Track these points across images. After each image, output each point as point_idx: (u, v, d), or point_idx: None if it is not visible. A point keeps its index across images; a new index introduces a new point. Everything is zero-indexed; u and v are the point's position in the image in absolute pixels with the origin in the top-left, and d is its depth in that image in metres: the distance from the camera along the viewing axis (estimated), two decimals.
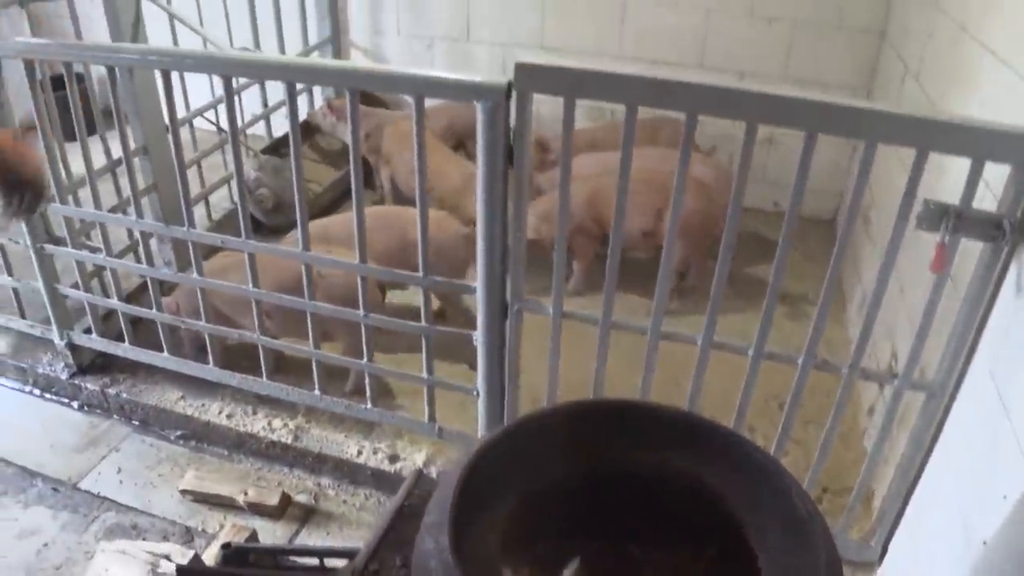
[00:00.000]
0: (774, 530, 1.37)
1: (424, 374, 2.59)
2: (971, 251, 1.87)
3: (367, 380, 2.70)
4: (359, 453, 2.80)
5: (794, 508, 1.30)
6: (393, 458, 2.77)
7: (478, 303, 2.34)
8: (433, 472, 2.71)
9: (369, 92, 4.47)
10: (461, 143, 4.64)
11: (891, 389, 2.09)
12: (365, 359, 2.65)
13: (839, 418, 2.17)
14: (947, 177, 2.29)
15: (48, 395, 3.23)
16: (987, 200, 1.94)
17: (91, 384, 3.11)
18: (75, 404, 3.18)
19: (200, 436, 2.99)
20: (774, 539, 1.33)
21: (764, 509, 1.37)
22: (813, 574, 1.21)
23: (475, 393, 2.56)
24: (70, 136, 2.81)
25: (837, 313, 3.70)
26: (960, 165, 1.78)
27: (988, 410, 1.72)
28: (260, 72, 2.83)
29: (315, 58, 4.77)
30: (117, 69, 2.54)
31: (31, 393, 3.25)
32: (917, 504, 2.13)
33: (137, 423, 3.08)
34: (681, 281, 3.77)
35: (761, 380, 2.21)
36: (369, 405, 2.74)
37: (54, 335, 3.11)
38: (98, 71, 2.77)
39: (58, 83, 2.72)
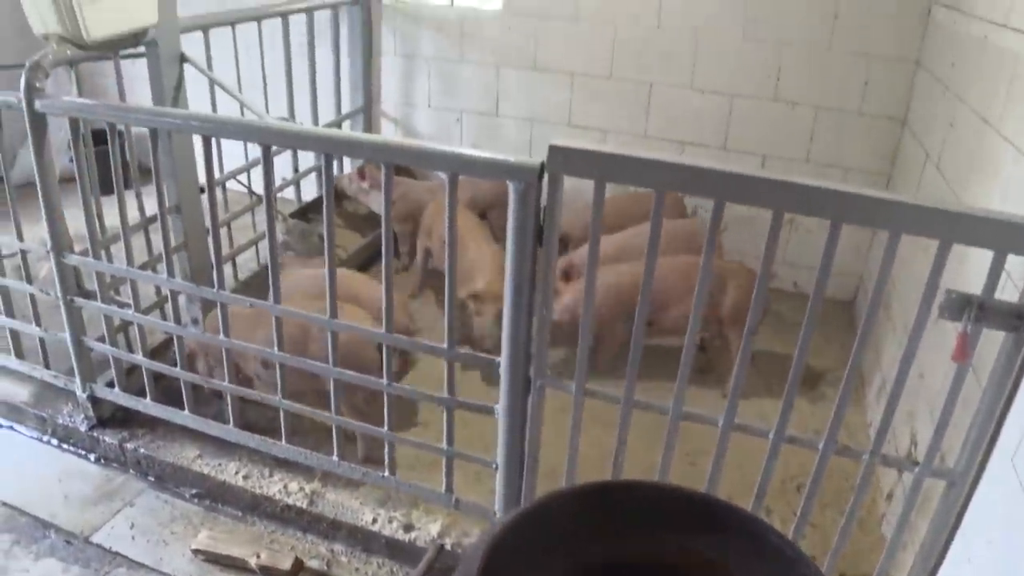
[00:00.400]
0: None
1: (444, 445, 2.60)
2: (993, 338, 1.88)
3: (385, 448, 2.71)
4: (374, 521, 2.79)
5: None
6: (408, 527, 2.76)
7: (501, 377, 2.36)
8: (448, 543, 2.69)
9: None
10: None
11: (911, 476, 2.08)
12: (385, 427, 2.66)
13: (859, 504, 2.16)
14: (968, 265, 2.32)
15: (66, 446, 3.25)
16: (1008, 290, 1.97)
17: (109, 437, 3.13)
18: (92, 456, 3.19)
19: (215, 496, 2.99)
20: None
21: None
22: None
23: (494, 466, 2.56)
24: (106, 190, 2.89)
25: (856, 396, 3.69)
26: (981, 254, 1.81)
27: (1010, 499, 1.71)
28: (301, 143, 2.90)
29: (348, 130, 4.90)
30: (159, 131, 2.63)
31: (49, 443, 3.27)
32: None
33: (153, 479, 3.09)
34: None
35: (780, 461, 2.21)
36: (386, 473, 2.74)
37: (77, 387, 3.14)
38: (137, 129, 2.87)
39: (96, 137, 2.82)
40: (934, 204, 1.79)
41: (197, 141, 2.75)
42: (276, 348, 2.65)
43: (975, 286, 1.79)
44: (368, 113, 5.20)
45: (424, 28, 5.03)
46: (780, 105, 4.39)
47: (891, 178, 4.25)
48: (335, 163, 4.92)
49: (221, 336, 2.75)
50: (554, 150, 1.98)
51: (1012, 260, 1.80)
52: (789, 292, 4.58)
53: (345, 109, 5.06)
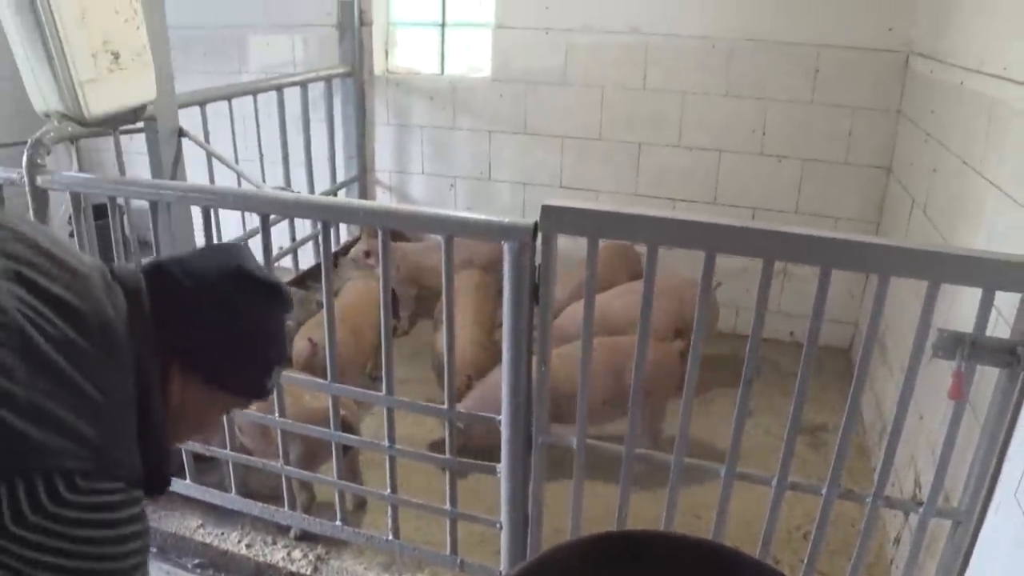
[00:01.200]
0: None
1: (447, 506, 2.60)
2: (990, 376, 1.90)
3: (389, 512, 2.70)
4: None
5: None
6: None
7: (502, 436, 2.37)
8: None
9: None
10: None
11: (916, 518, 2.08)
12: (388, 490, 2.66)
13: (865, 548, 2.15)
14: (960, 304, 2.35)
15: None
16: (1000, 327, 2.00)
17: None
18: None
19: (218, 565, 2.97)
20: None
21: None
22: None
23: (498, 526, 2.55)
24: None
25: (857, 442, 3.69)
26: (971, 294, 1.84)
27: (1016, 537, 1.72)
28: (299, 211, 2.95)
29: (344, 197, 4.98)
30: (159, 204, 2.68)
31: None
32: None
33: (154, 550, 3.06)
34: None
35: (785, 511, 2.21)
36: (390, 536, 2.73)
37: None
38: (136, 203, 2.92)
39: (97, 211, 2.86)
40: (920, 246, 1.83)
41: (196, 213, 2.80)
42: (276, 415, 2.67)
43: (968, 326, 1.82)
44: (363, 181, 5.30)
45: (416, 97, 5.14)
46: (767, 159, 4.48)
47: (880, 225, 4.32)
48: (332, 230, 5.02)
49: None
50: (547, 209, 2.03)
51: (1003, 298, 1.83)
52: (786, 342, 4.61)
53: (340, 178, 5.15)
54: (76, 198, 2.73)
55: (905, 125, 3.99)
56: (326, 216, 2.41)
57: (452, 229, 2.21)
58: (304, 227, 4.70)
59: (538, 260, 2.11)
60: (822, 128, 4.32)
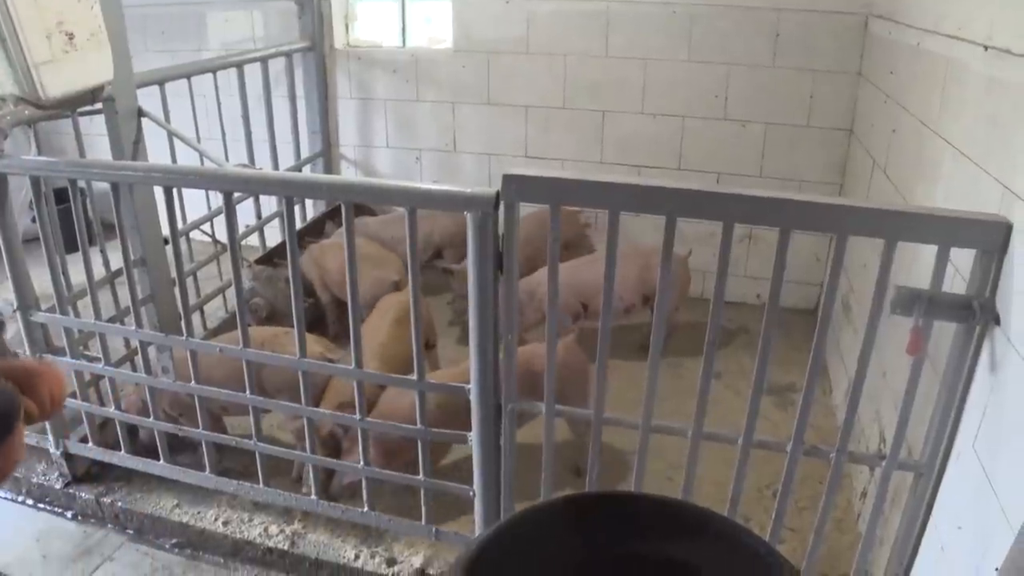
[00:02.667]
0: None
1: (421, 476, 2.62)
2: (949, 332, 1.95)
3: (363, 484, 2.72)
4: (356, 558, 2.79)
5: None
6: (391, 561, 2.76)
7: (472, 405, 2.39)
8: (432, 572, 2.70)
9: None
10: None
11: (880, 471, 2.13)
12: (361, 462, 2.67)
13: (831, 502, 2.20)
14: (921, 263, 2.40)
15: (42, 505, 3.21)
16: (958, 283, 2.04)
17: (85, 493, 3.11)
18: (69, 514, 3.16)
19: (196, 544, 2.98)
20: None
21: None
22: None
23: (471, 493, 2.58)
24: (69, 248, 2.90)
25: (825, 400, 3.76)
26: (931, 252, 1.88)
27: (975, 486, 1.77)
28: (261, 188, 2.93)
29: (309, 173, 4.94)
30: (121, 185, 2.65)
31: (24, 503, 3.23)
32: None
33: (132, 532, 3.06)
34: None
35: (755, 471, 2.25)
36: (365, 508, 2.75)
37: (50, 444, 3.12)
38: (98, 185, 2.88)
39: (58, 196, 2.82)
40: (876, 205, 1.86)
41: (159, 193, 2.77)
42: (248, 392, 2.67)
43: (929, 284, 1.86)
44: (328, 156, 5.26)
45: (378, 70, 5.10)
46: (730, 124, 4.50)
47: (843, 186, 4.37)
48: (297, 207, 4.99)
49: (193, 383, 2.76)
50: (508, 178, 2.04)
51: (961, 256, 1.87)
52: (754, 305, 4.67)
53: (304, 154, 5.11)
54: (36, 183, 2.69)
55: (865, 87, 4.02)
56: (289, 192, 2.40)
57: (415, 200, 2.21)
58: (270, 205, 4.66)
59: (501, 229, 2.12)
60: (784, 92, 4.35)
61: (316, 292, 4.35)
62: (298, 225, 4.66)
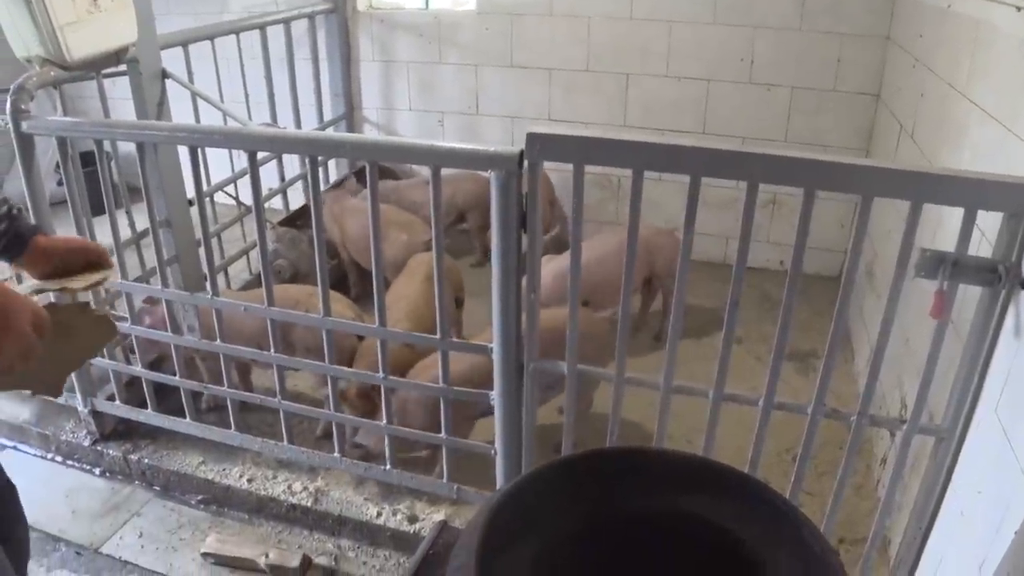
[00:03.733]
0: (790, 567, 1.40)
1: (442, 434, 2.65)
2: (973, 297, 1.93)
3: (386, 442, 2.76)
4: (378, 515, 2.83)
5: (806, 544, 1.34)
6: (412, 519, 2.80)
7: (494, 363, 2.41)
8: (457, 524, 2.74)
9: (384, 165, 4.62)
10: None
11: (900, 436, 2.13)
12: (384, 420, 2.70)
13: (850, 466, 2.21)
14: (947, 227, 2.38)
15: (70, 462, 3.28)
16: (984, 247, 2.02)
17: (113, 450, 3.17)
18: (97, 471, 3.23)
19: (221, 500, 3.03)
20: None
21: (777, 546, 1.41)
22: None
23: (493, 452, 2.61)
24: (96, 211, 2.93)
25: (847, 367, 3.75)
26: (959, 215, 1.86)
27: (996, 451, 1.76)
28: (285, 146, 2.95)
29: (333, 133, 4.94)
30: (146, 145, 2.67)
31: (53, 460, 3.30)
32: (933, 550, 2.15)
33: (158, 488, 3.12)
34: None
35: (776, 434, 2.25)
36: (388, 467, 2.79)
37: (78, 403, 3.17)
38: (123, 149, 2.90)
39: (84, 160, 2.84)
40: (901, 166, 1.84)
41: (183, 154, 2.79)
42: (272, 350, 2.70)
43: (954, 248, 1.84)
44: (350, 119, 5.26)
45: (401, 32, 5.08)
46: (756, 88, 4.45)
47: (868, 152, 4.32)
48: (321, 169, 5.00)
49: (218, 341, 2.80)
50: (532, 137, 2.03)
51: (987, 219, 1.85)
52: (777, 272, 4.65)
53: (327, 117, 5.12)
54: (63, 144, 2.71)
55: (893, 51, 3.96)
56: (312, 151, 2.41)
57: (439, 160, 2.21)
58: (292, 167, 4.68)
59: (524, 189, 2.12)
60: (811, 55, 4.29)
61: (339, 252, 4.38)
62: (322, 187, 4.67)
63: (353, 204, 4.41)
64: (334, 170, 5.21)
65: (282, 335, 2.84)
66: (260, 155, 3.52)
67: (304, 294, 3.11)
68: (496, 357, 2.38)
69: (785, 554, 1.40)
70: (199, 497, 3.06)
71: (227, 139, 2.64)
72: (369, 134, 5.36)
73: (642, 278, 3.92)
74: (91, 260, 1.64)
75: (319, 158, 3.13)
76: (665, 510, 1.57)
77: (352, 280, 4.42)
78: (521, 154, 2.07)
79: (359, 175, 4.92)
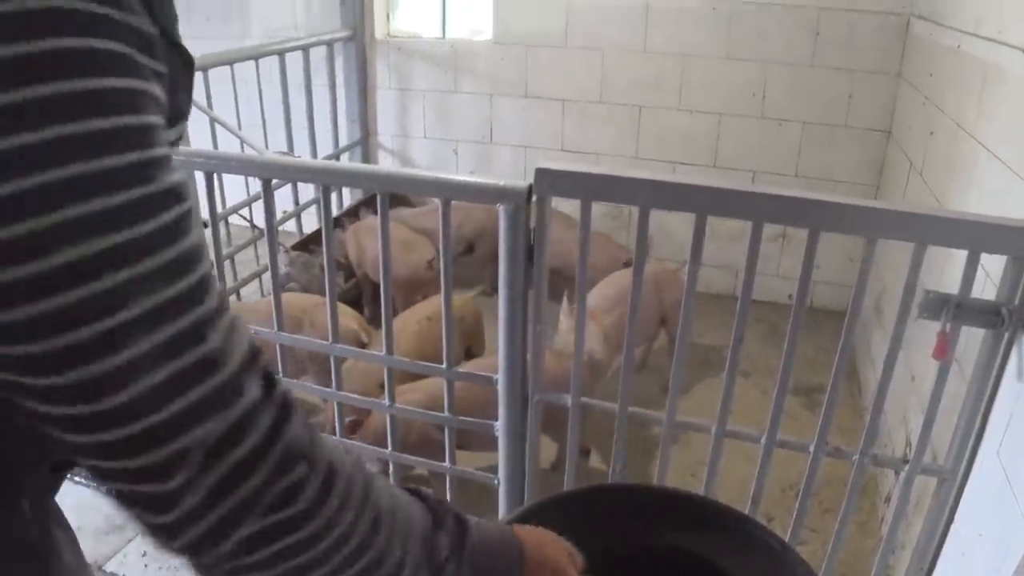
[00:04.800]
0: None
1: (446, 463, 2.66)
2: (978, 337, 1.94)
3: (390, 468, 2.77)
4: None
5: None
6: None
7: (499, 395, 2.43)
8: None
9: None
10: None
11: (904, 475, 2.13)
12: (389, 448, 2.72)
13: (852, 504, 2.21)
14: (956, 264, 2.39)
15: (77, 479, 3.29)
16: (988, 288, 2.03)
17: None
18: (103, 488, 3.24)
19: None
20: None
21: None
22: None
23: (496, 482, 2.61)
24: None
25: (854, 402, 3.75)
26: (964, 254, 1.87)
27: (997, 493, 1.77)
28: (298, 175, 2.99)
29: (347, 162, 5.00)
30: None
31: None
32: None
33: None
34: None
35: (780, 469, 2.26)
36: None
37: None
38: None
39: None
40: (906, 208, 1.86)
41: (199, 177, 2.83)
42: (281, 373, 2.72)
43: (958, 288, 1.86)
44: (365, 145, 5.32)
45: (418, 61, 5.14)
46: (767, 122, 4.48)
47: (879, 188, 4.33)
48: (334, 195, 5.06)
49: None
50: (541, 172, 2.06)
51: (993, 261, 1.86)
52: (784, 304, 4.65)
53: (343, 143, 5.18)
54: None
55: (905, 88, 3.99)
56: (327, 180, 2.44)
57: (450, 192, 2.24)
58: (307, 192, 4.73)
59: (533, 223, 2.15)
60: (823, 91, 4.32)
61: (356, 272, 4.44)
62: (335, 212, 4.72)
63: (371, 222, 4.45)
64: (348, 196, 5.26)
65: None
66: (275, 180, 3.56)
67: (311, 303, 3.14)
68: (501, 388, 2.40)
69: None
70: None
71: (243, 166, 2.69)
72: (384, 160, 5.42)
73: (658, 319, 3.83)
74: None
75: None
76: (663, 547, 1.59)
77: (366, 300, 4.46)
78: (530, 188, 2.10)
79: (370, 202, 4.97)
